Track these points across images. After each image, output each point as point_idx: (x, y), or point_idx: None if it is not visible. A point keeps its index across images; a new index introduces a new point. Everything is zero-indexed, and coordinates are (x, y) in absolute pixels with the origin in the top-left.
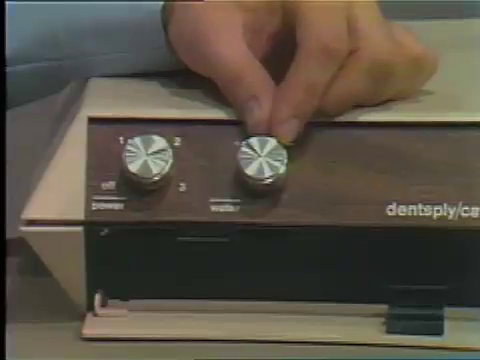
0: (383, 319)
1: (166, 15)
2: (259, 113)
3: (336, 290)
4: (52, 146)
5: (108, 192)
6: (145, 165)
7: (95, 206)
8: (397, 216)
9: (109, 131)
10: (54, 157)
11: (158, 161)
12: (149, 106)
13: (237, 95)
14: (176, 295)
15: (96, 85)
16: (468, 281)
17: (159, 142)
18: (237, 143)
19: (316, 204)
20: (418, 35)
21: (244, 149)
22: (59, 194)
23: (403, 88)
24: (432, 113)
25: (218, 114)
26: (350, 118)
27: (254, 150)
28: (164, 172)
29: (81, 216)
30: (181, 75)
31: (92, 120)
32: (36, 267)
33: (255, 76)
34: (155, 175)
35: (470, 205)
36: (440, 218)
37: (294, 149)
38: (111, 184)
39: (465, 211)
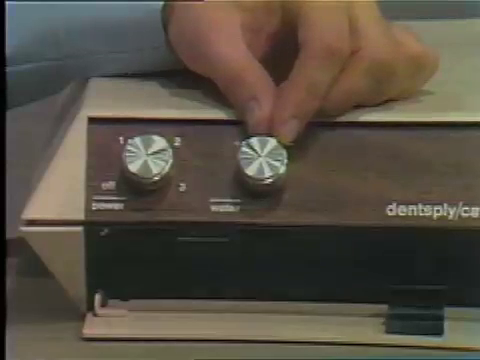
0: (383, 319)
1: (166, 15)
2: (259, 113)
3: (336, 290)
4: (52, 146)
5: (108, 192)
6: (145, 165)
7: (95, 206)
8: (397, 216)
9: (109, 131)
10: (54, 157)
11: (158, 161)
12: (149, 106)
13: (237, 95)
14: (176, 295)
15: (96, 85)
16: (468, 281)
17: (159, 142)
18: (237, 143)
19: (316, 204)
20: (418, 35)
21: (244, 149)
22: (59, 194)
23: (404, 88)
24: (433, 113)
25: (218, 114)
26: (351, 118)
27: (254, 150)
28: (164, 172)
29: (81, 216)
30: (181, 75)
31: (92, 120)
32: (36, 267)
33: (255, 76)
34: (155, 175)
35: (470, 205)
36: (440, 218)
37: (294, 149)
38: (111, 184)
39: (465, 211)
